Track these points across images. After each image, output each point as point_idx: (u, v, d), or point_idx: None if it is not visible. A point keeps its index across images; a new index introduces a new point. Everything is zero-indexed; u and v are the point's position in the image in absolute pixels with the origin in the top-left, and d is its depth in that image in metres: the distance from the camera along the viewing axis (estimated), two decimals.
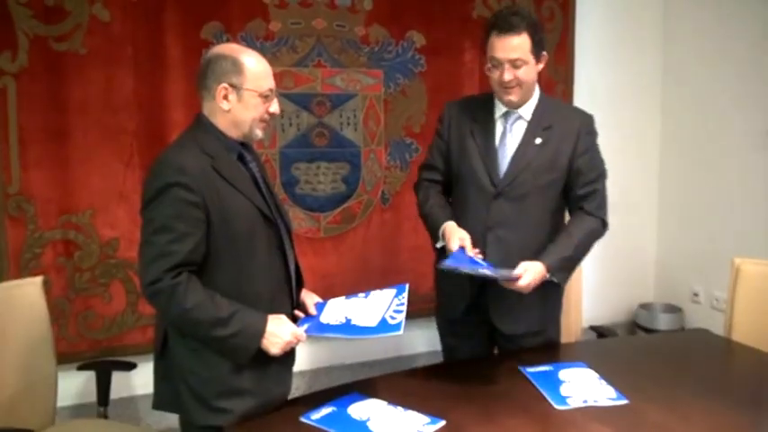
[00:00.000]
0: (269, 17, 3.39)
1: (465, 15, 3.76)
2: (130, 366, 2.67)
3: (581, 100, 4.07)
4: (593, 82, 4.15)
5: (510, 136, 2.39)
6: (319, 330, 2.02)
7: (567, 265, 2.32)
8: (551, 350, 2.48)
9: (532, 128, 2.38)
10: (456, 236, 2.28)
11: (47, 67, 3.03)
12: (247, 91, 1.93)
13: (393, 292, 2.13)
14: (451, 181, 2.51)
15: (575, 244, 2.31)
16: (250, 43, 3.32)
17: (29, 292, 2.42)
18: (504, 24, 2.25)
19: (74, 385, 3.17)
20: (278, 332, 1.91)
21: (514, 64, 2.26)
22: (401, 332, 1.94)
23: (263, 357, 1.92)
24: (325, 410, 1.91)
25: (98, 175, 3.16)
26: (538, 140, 2.36)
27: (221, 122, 1.95)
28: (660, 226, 4.48)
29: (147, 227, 1.85)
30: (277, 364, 1.99)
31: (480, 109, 2.45)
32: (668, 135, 4.37)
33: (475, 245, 2.26)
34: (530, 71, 2.30)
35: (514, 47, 2.25)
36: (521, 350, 2.43)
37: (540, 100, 2.41)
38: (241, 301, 1.90)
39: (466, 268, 2.12)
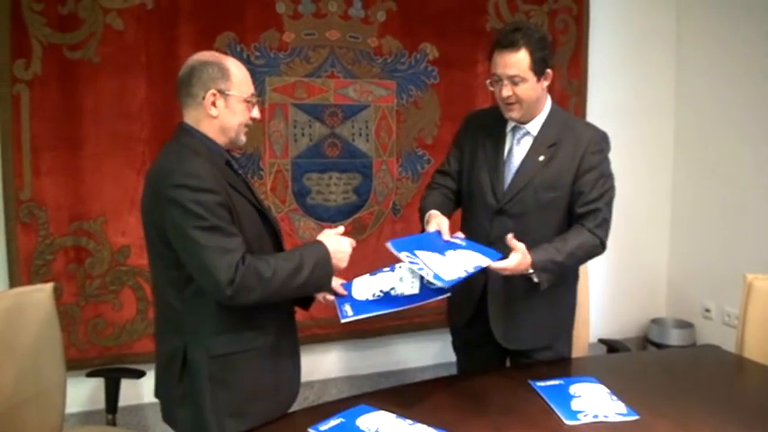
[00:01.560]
0: (283, 28, 3.40)
1: (478, 28, 3.76)
2: (139, 374, 2.66)
3: (594, 113, 4.07)
4: (607, 95, 4.14)
5: (517, 151, 2.39)
6: (365, 310, 2.03)
7: (553, 269, 2.22)
8: (561, 364, 2.46)
9: (537, 145, 2.37)
10: (434, 221, 2.27)
11: (60, 74, 3.04)
12: (233, 96, 1.94)
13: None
14: (462, 191, 2.51)
15: (567, 251, 2.23)
16: (264, 54, 3.34)
17: (39, 298, 2.43)
18: (505, 40, 2.25)
19: (82, 392, 3.17)
20: (340, 248, 2.02)
21: (513, 80, 2.25)
22: (450, 294, 2.04)
23: (277, 358, 2.00)
24: (334, 422, 1.90)
25: (110, 182, 3.17)
26: (541, 158, 2.34)
27: (208, 130, 1.96)
28: (672, 241, 4.46)
29: (189, 233, 1.80)
30: (289, 363, 2.06)
31: (495, 122, 2.44)
32: (681, 149, 4.36)
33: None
34: (529, 89, 2.28)
35: (512, 63, 2.24)
36: (533, 363, 2.43)
37: (551, 116, 2.39)
38: (255, 309, 1.92)
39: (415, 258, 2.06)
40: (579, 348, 3.03)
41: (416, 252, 2.07)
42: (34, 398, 2.36)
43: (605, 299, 4.13)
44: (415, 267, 2.01)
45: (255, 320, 1.96)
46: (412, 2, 3.61)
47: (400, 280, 2.12)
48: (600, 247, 2.33)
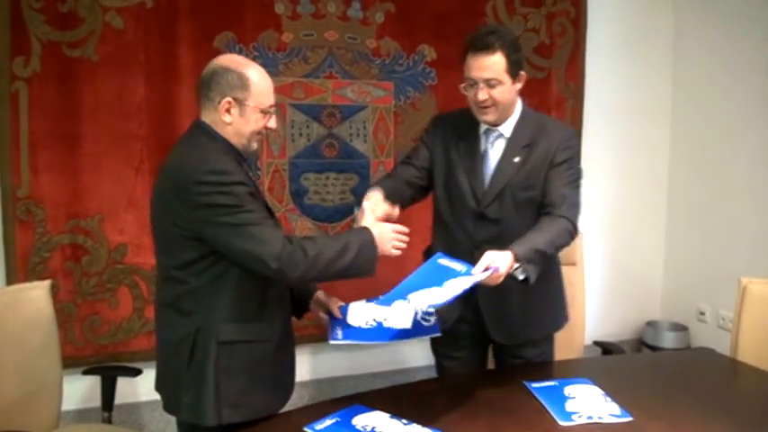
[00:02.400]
0: (282, 28, 3.41)
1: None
2: (136, 372, 2.67)
3: (591, 116, 4.09)
4: (604, 98, 4.15)
5: (491, 154, 2.39)
6: (356, 337, 2.09)
7: (537, 259, 2.13)
8: (556, 366, 2.47)
9: (511, 146, 2.37)
10: (365, 203, 2.25)
11: (59, 72, 3.05)
12: (250, 107, 1.95)
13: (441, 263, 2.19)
14: (424, 187, 2.50)
15: (546, 239, 2.17)
16: (262, 54, 3.35)
17: (36, 295, 2.44)
18: (479, 43, 2.24)
19: (78, 389, 3.17)
20: (385, 233, 2.09)
21: (489, 83, 2.25)
22: (440, 334, 2.09)
23: (279, 353, 2.03)
24: (329, 422, 1.91)
25: (108, 180, 3.17)
26: (516, 159, 2.34)
27: (222, 132, 1.98)
28: (668, 244, 4.47)
29: (231, 220, 1.84)
30: (287, 361, 2.11)
31: (466, 125, 2.43)
32: (677, 152, 4.37)
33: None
34: (505, 91, 2.27)
35: (488, 66, 2.24)
36: (523, 365, 2.44)
37: (522, 117, 2.39)
38: (267, 301, 1.99)
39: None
40: (574, 350, 3.04)
41: (409, 297, 2.07)
42: (30, 395, 2.36)
43: (601, 301, 4.13)
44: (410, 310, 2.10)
45: (266, 312, 1.99)
46: (410, 4, 3.62)
47: (394, 313, 2.15)
48: (574, 231, 2.31)
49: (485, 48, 2.23)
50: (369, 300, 2.24)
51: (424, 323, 2.13)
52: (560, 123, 2.55)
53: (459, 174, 2.40)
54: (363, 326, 2.10)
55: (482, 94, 2.26)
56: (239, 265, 1.91)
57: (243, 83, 1.94)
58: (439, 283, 2.05)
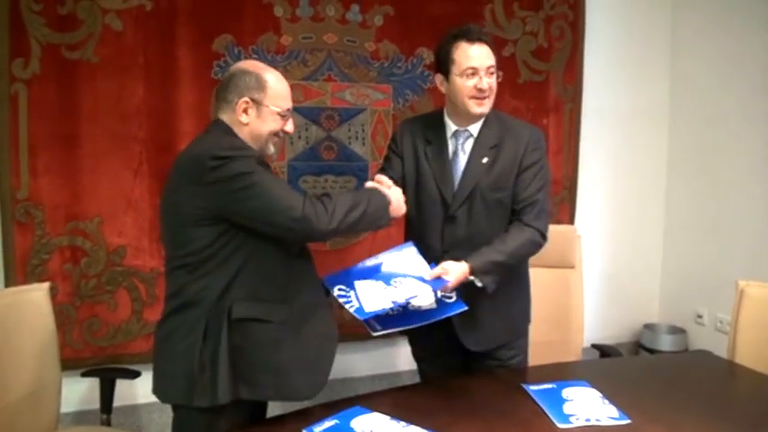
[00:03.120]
0: (281, 31, 3.42)
1: None
2: (134, 374, 2.67)
3: (589, 119, 4.10)
4: (602, 101, 4.16)
5: (462, 155, 2.39)
6: (394, 325, 2.10)
7: (495, 270, 2.22)
8: (554, 368, 2.48)
9: (479, 146, 2.37)
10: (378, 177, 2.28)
11: (58, 74, 3.05)
12: (267, 108, 1.99)
13: (407, 253, 2.26)
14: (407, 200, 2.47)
15: (507, 251, 2.24)
16: (261, 56, 3.35)
17: (35, 297, 2.44)
18: (477, 34, 2.29)
19: (77, 392, 3.18)
20: (395, 193, 2.17)
21: (489, 71, 2.28)
22: (467, 307, 2.15)
23: (299, 341, 2.02)
24: (328, 423, 1.91)
25: (107, 182, 3.17)
26: (485, 159, 2.35)
27: (241, 133, 2.01)
28: (666, 247, 4.48)
29: (248, 186, 1.88)
30: (313, 350, 2.06)
31: (433, 128, 2.44)
32: (675, 156, 4.38)
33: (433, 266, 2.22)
34: (496, 81, 2.32)
35: (489, 54, 2.29)
36: (499, 367, 2.45)
37: (488, 116, 2.39)
38: (284, 282, 2.02)
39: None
40: (572, 353, 3.05)
41: (356, 283, 2.15)
42: (29, 397, 2.36)
43: (599, 304, 4.14)
44: (342, 301, 2.09)
45: (282, 294, 2.00)
46: (409, 7, 3.63)
47: (412, 292, 2.12)
48: (541, 239, 2.34)
49: (482, 37, 2.29)
50: (329, 276, 2.24)
51: (447, 300, 2.15)
52: (524, 123, 2.56)
53: (428, 177, 2.40)
54: (388, 310, 2.08)
55: (485, 83, 2.27)
56: (261, 236, 1.93)
57: (260, 84, 1.99)
58: (387, 280, 2.16)
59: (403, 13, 3.62)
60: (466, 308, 2.16)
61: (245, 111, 1.99)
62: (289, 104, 2.06)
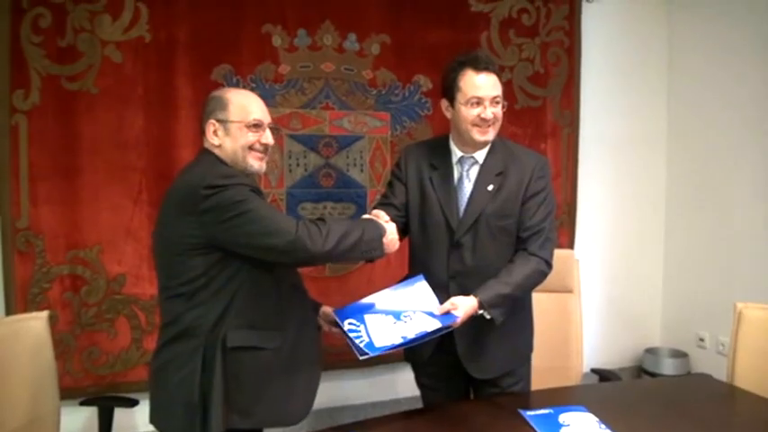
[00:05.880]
0: (279, 60, 3.46)
1: None
2: (132, 403, 2.66)
3: (587, 144, 4.12)
4: (599, 126, 4.19)
5: (467, 182, 2.39)
6: (384, 349, 2.08)
7: (503, 303, 2.24)
8: (552, 393, 2.47)
9: (485, 173, 2.37)
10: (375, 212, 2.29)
11: (58, 105, 3.09)
12: (233, 123, 2.03)
13: (419, 287, 2.27)
14: (408, 224, 2.47)
15: (514, 283, 2.25)
16: (259, 85, 3.39)
17: (34, 326, 2.44)
18: (485, 62, 2.29)
19: (76, 421, 3.17)
20: (391, 227, 2.17)
21: (495, 101, 2.29)
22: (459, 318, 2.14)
23: (292, 367, 2.04)
24: None
25: (106, 211, 3.20)
26: (490, 187, 2.35)
27: (221, 156, 2.05)
28: (666, 271, 4.48)
29: (243, 213, 1.89)
30: (304, 376, 2.09)
31: (439, 154, 2.44)
32: (674, 180, 4.39)
33: (439, 294, 2.25)
34: (501, 110, 2.33)
35: (495, 84, 2.29)
36: (501, 394, 2.43)
37: (493, 143, 2.39)
38: (278, 310, 2.04)
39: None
40: (572, 378, 3.04)
41: (366, 317, 2.17)
42: (28, 426, 2.36)
43: (600, 329, 4.14)
44: (353, 336, 2.10)
45: (276, 321, 2.02)
46: (406, 35, 3.67)
47: (420, 326, 2.14)
48: (547, 268, 2.35)
49: (490, 66, 2.29)
50: (339, 309, 2.25)
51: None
52: (529, 151, 2.55)
53: (433, 203, 2.39)
54: (397, 346, 2.08)
55: (490, 112, 2.28)
56: (254, 264, 1.95)
57: (222, 104, 2.04)
58: (399, 313, 2.18)
59: (399, 41, 3.66)
60: (459, 318, 2.15)
61: (215, 132, 2.03)
62: (257, 115, 2.06)
